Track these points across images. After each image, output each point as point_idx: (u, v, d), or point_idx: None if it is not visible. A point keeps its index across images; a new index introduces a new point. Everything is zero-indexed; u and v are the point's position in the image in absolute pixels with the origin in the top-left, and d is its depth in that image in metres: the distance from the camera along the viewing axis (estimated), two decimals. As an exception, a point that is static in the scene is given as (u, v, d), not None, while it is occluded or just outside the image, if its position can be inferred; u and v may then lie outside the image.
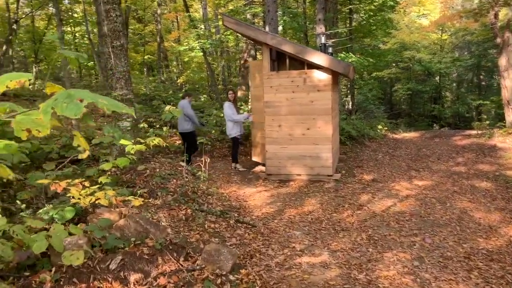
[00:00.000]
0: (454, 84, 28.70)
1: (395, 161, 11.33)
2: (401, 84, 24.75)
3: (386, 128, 17.14)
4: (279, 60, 8.41)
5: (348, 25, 17.27)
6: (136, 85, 13.80)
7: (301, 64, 8.02)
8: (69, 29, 22.83)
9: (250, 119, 9.12)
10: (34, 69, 18.50)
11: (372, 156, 11.97)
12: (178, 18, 22.91)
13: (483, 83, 27.16)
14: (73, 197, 3.86)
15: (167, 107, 6.68)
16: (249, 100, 14.49)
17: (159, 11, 17.54)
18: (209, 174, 8.73)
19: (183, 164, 9.48)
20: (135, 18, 22.91)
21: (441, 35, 26.13)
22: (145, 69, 25.26)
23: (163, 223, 4.95)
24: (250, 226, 5.56)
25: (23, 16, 16.73)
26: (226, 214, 5.78)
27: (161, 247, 3.80)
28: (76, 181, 3.83)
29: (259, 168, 9.22)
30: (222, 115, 12.25)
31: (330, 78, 7.82)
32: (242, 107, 13.95)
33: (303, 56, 7.68)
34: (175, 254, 3.84)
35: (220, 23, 18.95)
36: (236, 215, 5.91)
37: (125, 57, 6.58)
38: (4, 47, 15.50)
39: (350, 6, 17.38)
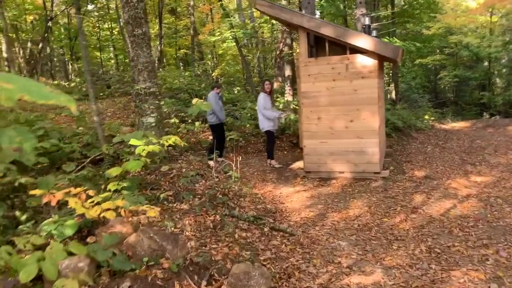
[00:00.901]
0: (504, 70, 26.58)
1: (446, 154, 10.23)
2: (447, 71, 23.04)
3: (433, 118, 15.84)
4: (318, 46, 7.54)
5: (390, 8, 16.05)
6: (170, 79, 13.29)
7: (342, 49, 7.11)
8: (106, 25, 22.70)
9: (283, 116, 8.36)
10: (69, 67, 18.45)
11: (421, 149, 10.88)
12: (212, 10, 22.28)
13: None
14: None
15: (194, 100, 5.98)
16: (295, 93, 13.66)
17: (192, 3, 16.94)
18: (242, 172, 8.02)
19: (212, 163, 8.84)
20: (169, 12, 22.46)
21: (491, 18, 24.17)
22: (181, 64, 24.85)
23: (187, 233, 4.26)
24: (287, 235, 4.78)
25: (58, 13, 16.60)
26: (260, 220, 5.03)
27: (178, 269, 3.09)
28: (78, 189, 3.17)
29: (296, 164, 8.41)
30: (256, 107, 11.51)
31: (376, 63, 6.88)
32: (278, 99, 13.13)
33: (345, 39, 6.78)
34: (195, 278, 3.13)
35: (255, 13, 18.15)
36: (271, 220, 5.15)
37: (148, 46, 5.93)
38: (41, 45, 15.38)
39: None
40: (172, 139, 3.79)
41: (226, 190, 5.78)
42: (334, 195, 6.41)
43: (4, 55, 14.09)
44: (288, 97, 13.21)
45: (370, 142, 7.02)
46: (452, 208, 5.71)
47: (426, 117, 15.28)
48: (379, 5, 14.71)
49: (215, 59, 23.14)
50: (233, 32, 12.56)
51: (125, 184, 4.44)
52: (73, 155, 6.10)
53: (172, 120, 9.15)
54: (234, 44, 13.89)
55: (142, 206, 3.49)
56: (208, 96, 8.62)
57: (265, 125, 8.22)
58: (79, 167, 5.65)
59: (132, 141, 3.49)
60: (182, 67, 23.33)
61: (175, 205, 5.03)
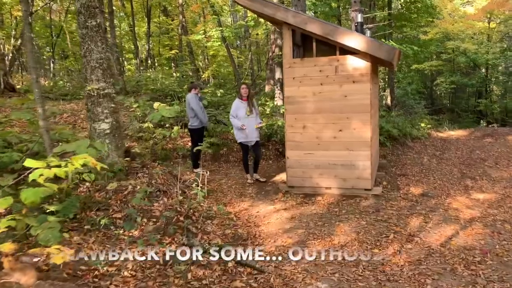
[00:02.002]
0: (502, 77, 25.75)
1: (444, 166, 9.35)
2: (444, 78, 22.18)
3: (430, 125, 14.96)
4: (305, 46, 6.64)
5: (386, 9, 15.18)
6: (150, 80, 12.37)
7: (332, 49, 6.21)
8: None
9: (259, 125, 7.23)
10: (51, 65, 17.46)
11: (417, 159, 9.99)
12: (205, 10, 21.35)
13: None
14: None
15: (156, 104, 5.06)
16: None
17: (180, 1, 15.99)
18: (219, 185, 7.10)
19: (196, 170, 7.91)
20: (162, 11, 21.52)
21: (489, 24, 23.37)
22: (172, 64, 23.90)
23: (125, 273, 3.33)
24: (256, 272, 3.85)
25: (39, 8, 15.65)
26: (226, 251, 4.10)
27: None
28: None
29: (280, 176, 7.50)
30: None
31: (368, 66, 5.98)
32: (267, 103, 12.19)
33: (334, 38, 5.87)
34: None
35: (249, 12, 17.22)
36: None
37: (103, 40, 5.00)
38: (19, 41, 14.43)
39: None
40: (80, 161, 2.83)
41: (191, 210, 4.86)
42: (318, 216, 5.49)
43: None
44: (278, 101, 12.30)
45: (361, 155, 6.12)
46: (454, 236, 4.80)
47: (423, 124, 14.39)
48: (375, 6, 13.84)
49: (206, 60, 22.21)
50: (219, 30, 11.67)
51: (53, 208, 3.51)
52: (17, 165, 5.16)
53: (146, 125, 8.22)
54: (220, 43, 13.00)
55: (49, 248, 2.56)
56: (188, 98, 7.71)
57: (236, 135, 7.28)
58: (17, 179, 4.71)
59: (28, 162, 2.57)
60: (173, 68, 22.40)
61: (121, 231, 4.10)
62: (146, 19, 17.55)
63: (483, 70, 24.10)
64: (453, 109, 24.21)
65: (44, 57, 19.04)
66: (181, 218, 4.56)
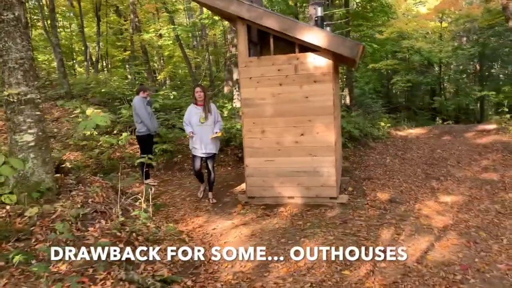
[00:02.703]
0: (453, 76, 26.32)
1: (407, 167, 9.04)
2: (400, 76, 22.30)
3: (389, 124, 14.78)
4: (262, 43, 6.04)
5: (343, 7, 14.89)
6: (95, 83, 11.36)
7: (291, 46, 5.64)
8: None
9: (216, 134, 6.10)
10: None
11: (379, 160, 9.64)
12: (159, 10, 20.34)
13: (486, 73, 24.78)
14: None
15: (89, 111, 4.29)
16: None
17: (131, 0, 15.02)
18: (172, 198, 6.37)
19: (147, 181, 7.14)
20: (115, 11, 20.32)
21: (441, 23, 23.77)
22: (127, 66, 22.72)
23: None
24: (209, 311, 3.19)
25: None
26: (173, 285, 3.42)
27: None
28: None
29: (240, 186, 6.86)
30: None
31: (330, 64, 5.45)
32: (226, 105, 11.52)
33: (293, 33, 5.30)
34: None
35: (205, 10, 16.46)
36: (189, 284, 3.54)
37: (23, 36, 4.18)
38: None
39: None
40: None
41: (133, 234, 4.13)
42: (281, 231, 4.88)
43: None
44: (237, 103, 11.65)
45: (325, 161, 5.58)
46: (430, 250, 4.33)
47: (382, 123, 14.18)
48: (333, 4, 13.48)
49: (162, 61, 21.22)
50: (171, 29, 10.89)
51: None
52: None
53: (88, 132, 7.36)
54: (173, 42, 12.22)
55: None
56: (133, 103, 6.93)
57: (189, 144, 6.34)
58: None
59: None
60: (128, 70, 21.25)
61: (43, 267, 3.32)
62: (95, 19, 16.38)
63: (437, 69, 24.50)
64: (409, 107, 24.44)
65: None
66: (121, 245, 3.82)
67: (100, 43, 16.49)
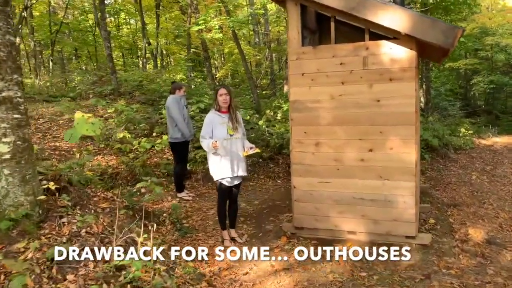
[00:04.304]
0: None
1: (500, 187, 7.20)
2: (482, 77, 19.52)
3: (471, 131, 12.59)
4: (322, 32, 4.60)
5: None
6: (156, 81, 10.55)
7: (359, 33, 4.16)
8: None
9: (246, 153, 4.30)
10: (51, 63, 15.89)
11: (463, 176, 7.80)
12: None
13: None
14: None
15: (78, 115, 3.14)
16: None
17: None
18: (205, 218, 5.16)
19: (180, 195, 6.02)
20: (179, 8, 19.67)
21: (532, 18, 20.56)
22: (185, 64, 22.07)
23: None
24: None
25: (35, 1, 14.04)
26: None
27: None
28: None
29: (289, 209, 5.46)
30: (248, 117, 8.61)
31: (413, 56, 3.90)
32: (282, 107, 10.13)
33: (362, 13, 3.82)
34: None
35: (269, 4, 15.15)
36: None
37: (3, 20, 3.14)
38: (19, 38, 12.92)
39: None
40: None
41: (129, 286, 2.91)
42: (336, 287, 3.44)
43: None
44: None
45: (401, 187, 4.04)
46: None
47: (463, 130, 12.06)
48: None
49: (222, 58, 20.27)
50: (223, 19, 9.73)
51: None
52: None
53: (122, 135, 6.35)
54: (220, 35, 11.08)
55: None
56: (167, 103, 5.79)
57: (211, 168, 4.41)
58: None
59: None
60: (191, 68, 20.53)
61: None
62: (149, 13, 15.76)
63: (524, 69, 21.33)
64: (490, 111, 21.49)
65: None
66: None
67: (159, 39, 15.78)
